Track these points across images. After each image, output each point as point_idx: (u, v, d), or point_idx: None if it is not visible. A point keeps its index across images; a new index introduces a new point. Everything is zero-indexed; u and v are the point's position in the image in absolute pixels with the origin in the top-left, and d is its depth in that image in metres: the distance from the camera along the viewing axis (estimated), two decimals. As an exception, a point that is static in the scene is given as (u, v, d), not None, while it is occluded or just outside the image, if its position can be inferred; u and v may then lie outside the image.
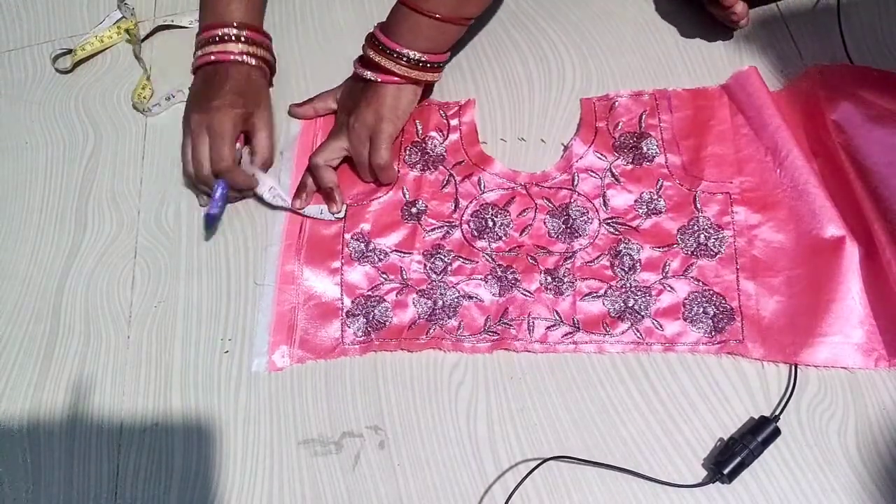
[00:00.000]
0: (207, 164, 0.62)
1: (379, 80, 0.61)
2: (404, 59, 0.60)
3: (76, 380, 0.58)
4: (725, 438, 0.51)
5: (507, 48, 0.70)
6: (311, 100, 0.68)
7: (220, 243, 0.63)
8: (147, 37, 0.75)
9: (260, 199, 0.63)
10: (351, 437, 0.55)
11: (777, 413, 0.52)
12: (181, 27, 0.75)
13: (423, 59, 0.60)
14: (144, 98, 0.71)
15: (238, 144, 0.63)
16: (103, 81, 0.73)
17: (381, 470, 0.53)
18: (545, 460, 0.52)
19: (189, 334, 0.59)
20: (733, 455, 0.49)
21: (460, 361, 0.56)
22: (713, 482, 0.50)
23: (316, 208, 0.63)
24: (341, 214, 0.62)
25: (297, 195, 0.63)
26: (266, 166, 0.65)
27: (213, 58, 0.65)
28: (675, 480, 0.51)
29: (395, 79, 0.61)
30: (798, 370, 0.53)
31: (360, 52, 0.62)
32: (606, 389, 0.54)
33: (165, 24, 0.75)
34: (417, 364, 0.57)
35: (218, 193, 0.61)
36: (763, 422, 0.51)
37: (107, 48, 0.74)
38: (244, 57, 0.65)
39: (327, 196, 0.63)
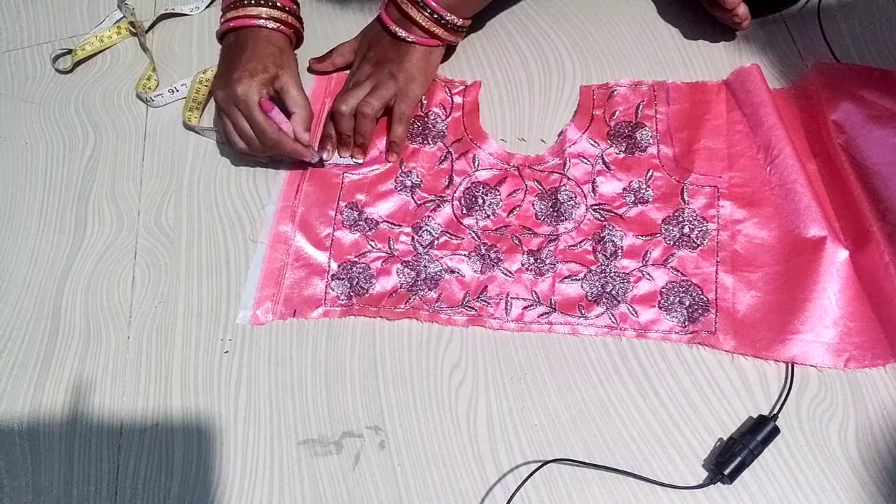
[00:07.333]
0: (256, 140, 0.61)
1: (412, 39, 0.62)
2: (441, 19, 0.61)
3: (76, 380, 0.58)
4: (725, 438, 0.51)
5: (507, 49, 0.70)
6: (329, 54, 0.68)
7: (220, 242, 0.63)
8: (151, 27, 0.75)
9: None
10: (351, 437, 0.55)
11: (775, 412, 0.52)
12: (183, 14, 0.76)
13: (456, 21, 0.62)
14: (149, 88, 0.71)
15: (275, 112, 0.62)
16: (103, 81, 0.73)
17: (381, 470, 0.53)
18: (545, 463, 0.52)
19: (189, 334, 0.59)
20: (734, 455, 0.49)
21: (460, 361, 0.56)
22: (714, 483, 0.50)
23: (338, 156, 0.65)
24: (361, 160, 0.64)
25: (322, 146, 0.65)
26: (308, 123, 0.63)
27: (231, 24, 0.64)
28: (675, 481, 0.51)
29: (431, 41, 0.62)
30: (795, 369, 0.53)
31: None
32: (606, 389, 0.54)
33: (168, 12, 0.75)
34: (417, 364, 0.57)
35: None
36: (761, 421, 0.51)
37: (107, 48, 0.74)
38: (262, 21, 0.64)
39: (345, 142, 0.64)
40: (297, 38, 0.68)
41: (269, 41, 0.64)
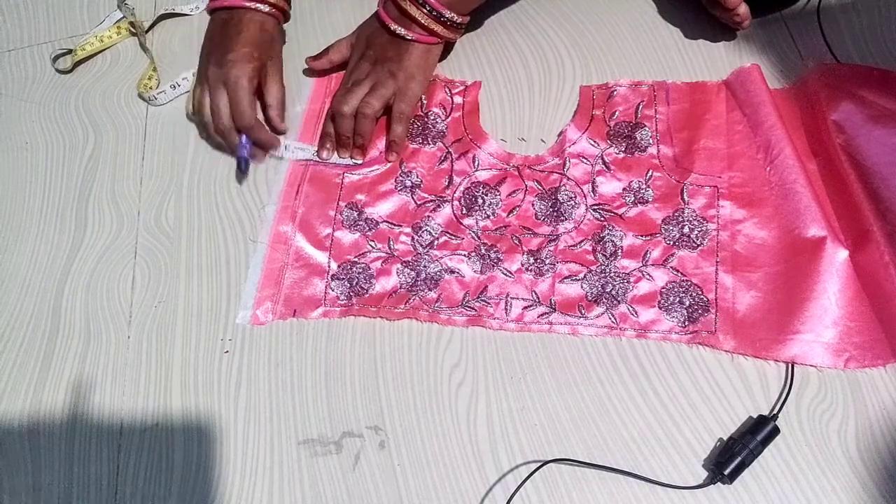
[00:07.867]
0: (228, 119, 0.63)
1: (411, 37, 0.62)
2: (440, 16, 0.61)
3: (76, 380, 0.58)
4: (725, 438, 0.51)
5: (507, 49, 0.70)
6: (326, 51, 0.68)
7: (220, 242, 0.63)
8: (151, 27, 0.75)
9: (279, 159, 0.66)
10: (351, 437, 0.55)
11: (775, 412, 0.52)
12: (183, 14, 0.76)
13: (455, 18, 0.62)
14: (150, 88, 0.71)
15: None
16: (103, 81, 0.73)
17: (381, 470, 0.53)
18: (545, 463, 0.52)
19: (189, 334, 0.59)
20: (733, 455, 0.49)
21: (460, 361, 0.56)
22: (714, 483, 0.50)
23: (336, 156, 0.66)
24: (361, 160, 0.65)
25: (322, 145, 0.65)
26: (280, 117, 0.66)
27: (225, 3, 0.65)
28: (675, 481, 0.51)
29: (430, 38, 0.62)
30: (795, 369, 0.53)
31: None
32: (606, 389, 0.54)
33: (168, 12, 0.75)
34: (417, 364, 0.57)
35: (244, 140, 0.64)
36: (761, 421, 0.51)
37: (107, 48, 0.74)
38: (256, 4, 0.65)
39: (345, 143, 0.64)
40: (284, 18, 0.69)
41: (262, 27, 0.65)
